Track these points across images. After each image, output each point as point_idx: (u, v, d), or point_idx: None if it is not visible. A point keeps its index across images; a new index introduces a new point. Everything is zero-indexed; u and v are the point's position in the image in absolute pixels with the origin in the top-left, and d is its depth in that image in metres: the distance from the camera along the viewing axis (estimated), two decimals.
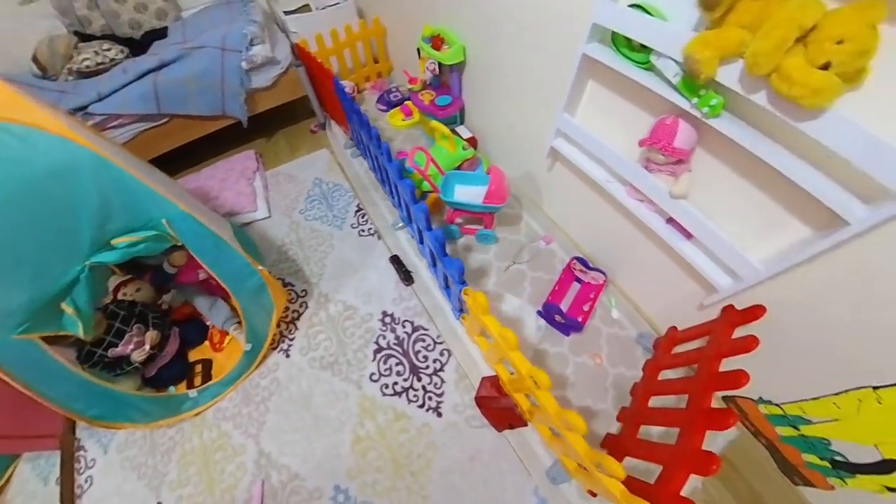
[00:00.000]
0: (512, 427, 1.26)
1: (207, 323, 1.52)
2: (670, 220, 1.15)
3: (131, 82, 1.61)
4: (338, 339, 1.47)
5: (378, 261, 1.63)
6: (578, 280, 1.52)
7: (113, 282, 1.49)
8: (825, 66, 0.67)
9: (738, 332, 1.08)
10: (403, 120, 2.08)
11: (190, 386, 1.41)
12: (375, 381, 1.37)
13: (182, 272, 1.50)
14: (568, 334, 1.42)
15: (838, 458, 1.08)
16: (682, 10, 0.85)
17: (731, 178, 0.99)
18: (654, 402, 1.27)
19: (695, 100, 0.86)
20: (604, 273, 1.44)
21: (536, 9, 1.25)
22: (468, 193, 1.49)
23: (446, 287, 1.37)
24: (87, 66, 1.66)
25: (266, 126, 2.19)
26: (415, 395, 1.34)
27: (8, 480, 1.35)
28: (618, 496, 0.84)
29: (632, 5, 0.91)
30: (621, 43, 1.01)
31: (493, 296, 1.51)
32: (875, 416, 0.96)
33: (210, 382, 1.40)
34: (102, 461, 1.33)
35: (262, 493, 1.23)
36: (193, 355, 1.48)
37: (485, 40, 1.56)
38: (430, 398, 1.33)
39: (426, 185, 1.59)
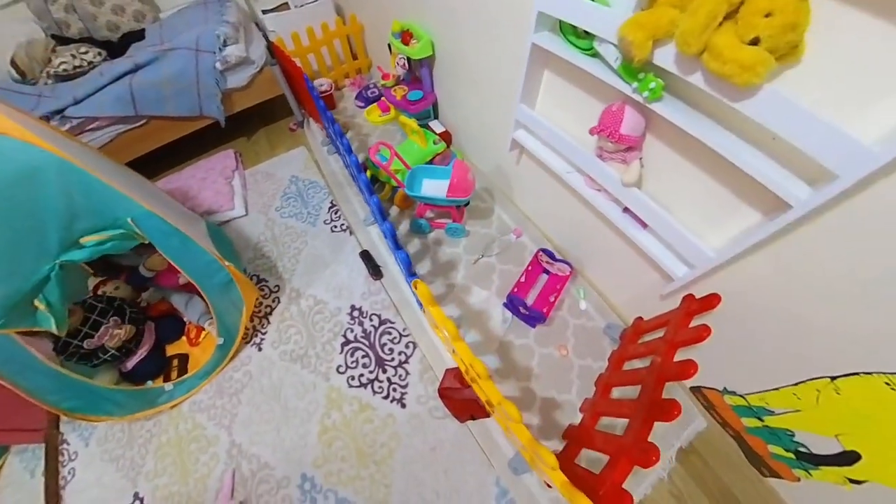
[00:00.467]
0: (473, 418, 1.24)
1: (185, 319, 1.53)
2: (626, 210, 1.11)
3: (107, 85, 1.60)
4: (308, 333, 1.46)
5: (349, 256, 1.62)
6: (546, 272, 1.49)
7: (92, 282, 1.50)
8: (755, 42, 0.62)
9: (699, 322, 1.04)
10: (380, 116, 2.05)
11: (167, 380, 1.42)
12: (342, 373, 1.37)
13: (162, 277, 1.50)
14: (534, 326, 1.40)
15: (802, 449, 1.04)
16: None
17: (682, 164, 0.95)
18: (621, 392, 1.24)
19: (634, 84, 0.82)
20: (569, 264, 1.41)
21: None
22: (434, 187, 1.46)
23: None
24: (65, 70, 1.66)
25: (247, 125, 2.17)
26: (380, 387, 1.32)
27: None
28: (558, 486, 0.81)
29: None
30: (568, 31, 0.97)
31: (460, 289, 1.49)
32: (834, 407, 0.93)
33: (185, 376, 1.40)
34: (84, 454, 1.34)
35: (233, 482, 1.24)
36: (171, 350, 1.49)
37: (450, 33, 1.52)
38: (394, 389, 1.32)
39: (390, 179, 1.56)
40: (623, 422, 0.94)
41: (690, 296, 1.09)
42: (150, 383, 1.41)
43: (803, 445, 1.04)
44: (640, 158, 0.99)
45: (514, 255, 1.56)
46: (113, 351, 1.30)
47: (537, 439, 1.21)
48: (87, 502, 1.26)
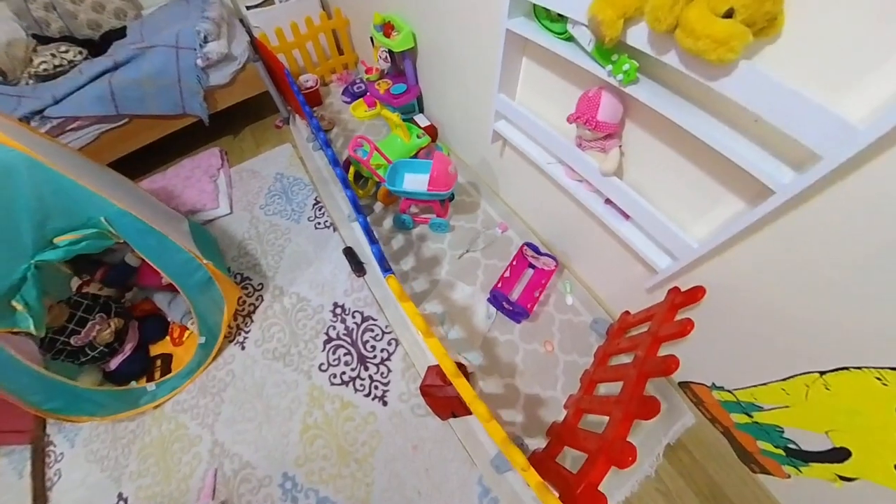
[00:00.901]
0: (455, 416, 1.20)
1: (168, 318, 1.50)
2: (609, 201, 1.06)
3: (86, 84, 1.57)
4: (290, 331, 1.43)
5: (332, 253, 1.58)
6: (532, 266, 1.44)
7: (75, 283, 1.47)
8: (729, 14, 0.57)
9: (685, 315, 1.00)
10: (366, 111, 2.00)
11: (150, 380, 1.39)
12: (324, 370, 1.33)
13: (145, 276, 1.47)
14: (518, 321, 1.35)
15: (791, 445, 1.00)
16: None
17: (664, 152, 0.90)
18: (607, 389, 1.20)
19: (608, 67, 0.77)
20: (554, 258, 1.36)
21: None
22: (415, 182, 1.42)
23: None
24: (45, 70, 1.63)
25: (233, 123, 2.13)
26: (361, 385, 1.29)
27: None
28: (532, 486, 0.78)
29: None
30: (542, 14, 0.92)
31: (444, 284, 1.45)
32: (823, 403, 0.88)
33: (168, 376, 1.38)
34: (70, 455, 1.32)
35: (215, 481, 1.21)
36: (154, 350, 1.46)
37: (430, 24, 1.47)
38: (376, 387, 1.28)
39: (371, 174, 1.52)
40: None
41: (676, 289, 1.04)
42: (133, 384, 1.38)
43: (793, 442, 1.00)
44: (620, 146, 0.94)
45: (500, 250, 1.52)
46: (101, 347, 1.28)
47: (520, 437, 1.19)
48: (74, 503, 1.24)
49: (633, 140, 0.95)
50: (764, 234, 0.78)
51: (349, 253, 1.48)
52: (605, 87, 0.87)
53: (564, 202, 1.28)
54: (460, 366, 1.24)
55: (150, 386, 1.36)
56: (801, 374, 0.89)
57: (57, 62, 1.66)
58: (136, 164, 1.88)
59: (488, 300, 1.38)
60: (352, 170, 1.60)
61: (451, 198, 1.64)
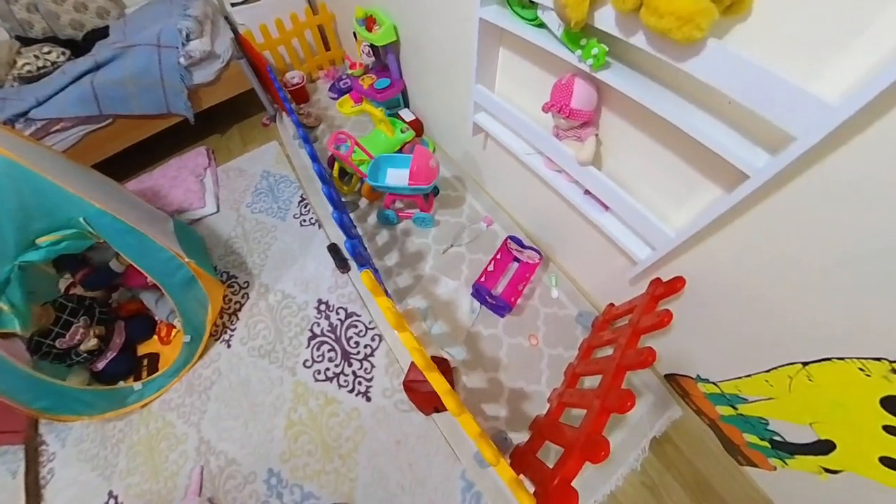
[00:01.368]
0: (438, 411, 1.19)
1: (157, 317, 1.49)
2: (588, 192, 1.02)
3: (68, 85, 1.54)
4: (275, 328, 1.41)
5: (317, 250, 1.56)
6: (517, 260, 1.41)
7: (63, 283, 1.47)
8: None
9: (668, 306, 0.97)
10: (353, 107, 1.96)
11: (137, 379, 1.38)
12: (309, 367, 1.32)
13: (130, 277, 1.45)
14: (502, 315, 1.33)
15: (777, 437, 0.98)
16: None
17: (640, 139, 0.86)
18: (591, 382, 1.17)
19: (578, 51, 0.73)
20: (538, 251, 1.33)
21: None
22: (397, 176, 1.39)
23: (375, 271, 1.29)
24: (29, 72, 1.61)
25: (220, 121, 2.10)
26: (345, 381, 1.27)
27: None
28: (505, 481, 0.75)
29: None
30: (514, 2, 0.88)
31: (428, 279, 1.42)
32: (807, 394, 0.86)
33: (154, 375, 1.37)
34: (61, 454, 1.32)
35: (201, 478, 1.21)
36: (142, 349, 1.45)
37: (410, 17, 1.43)
38: (359, 383, 1.27)
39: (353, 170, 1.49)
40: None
41: (657, 280, 1.01)
42: (121, 383, 1.37)
43: (778, 434, 0.97)
44: (596, 135, 0.91)
45: (485, 244, 1.49)
46: (85, 354, 1.28)
47: (504, 431, 1.17)
48: (66, 501, 1.24)
49: (610, 128, 0.91)
50: (742, 222, 0.75)
51: (333, 249, 1.46)
52: (578, 73, 0.83)
53: (546, 194, 1.25)
54: (443, 361, 1.22)
55: (137, 385, 1.35)
56: (783, 366, 0.87)
57: (40, 63, 1.63)
58: (124, 165, 1.87)
59: (472, 294, 1.35)
60: (336, 166, 1.57)
61: (436, 192, 1.61)
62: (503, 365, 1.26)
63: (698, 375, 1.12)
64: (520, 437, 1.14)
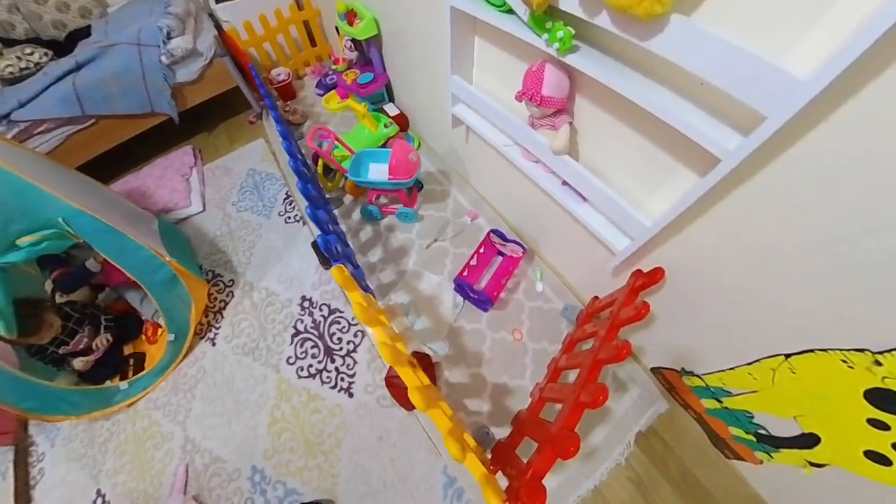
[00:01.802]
0: None
1: (143, 317, 1.48)
2: (566, 182, 0.99)
3: (50, 86, 1.52)
4: (260, 326, 1.39)
5: (301, 246, 1.53)
6: (501, 254, 1.38)
7: (49, 285, 1.45)
8: None
9: (649, 298, 0.93)
10: (339, 103, 1.92)
11: (123, 378, 1.37)
12: (292, 363, 1.30)
13: (111, 274, 1.43)
14: (485, 310, 1.30)
15: (762, 431, 0.95)
16: None
17: (615, 126, 0.82)
18: (574, 376, 1.14)
19: (544, 35, 0.69)
20: (521, 245, 1.29)
21: None
22: (378, 171, 1.36)
23: (356, 267, 1.26)
24: (11, 73, 1.58)
25: (207, 120, 2.08)
26: (328, 377, 1.25)
27: None
28: (477, 478, 0.73)
29: None
30: None
31: (411, 274, 1.39)
32: (790, 387, 0.82)
33: (140, 374, 1.36)
34: (51, 454, 1.32)
35: (186, 476, 1.20)
36: (128, 349, 1.44)
37: (390, 9, 1.39)
38: (342, 379, 1.24)
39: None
40: None
41: (638, 271, 0.98)
42: (108, 383, 1.36)
43: (763, 427, 0.94)
44: (570, 122, 0.87)
45: (469, 238, 1.45)
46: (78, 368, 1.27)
47: (486, 426, 1.14)
48: (55, 501, 1.24)
49: (584, 116, 0.87)
50: (719, 209, 0.71)
51: (317, 246, 1.43)
52: (549, 59, 0.79)
53: (528, 186, 1.21)
54: (424, 356, 1.20)
55: (123, 385, 1.34)
56: (766, 358, 0.83)
57: (23, 65, 1.61)
58: (111, 166, 1.85)
59: (454, 289, 1.32)
60: (321, 162, 1.54)
61: (420, 187, 1.57)
62: (486, 360, 1.23)
63: (683, 368, 1.09)
64: (503, 433, 1.12)
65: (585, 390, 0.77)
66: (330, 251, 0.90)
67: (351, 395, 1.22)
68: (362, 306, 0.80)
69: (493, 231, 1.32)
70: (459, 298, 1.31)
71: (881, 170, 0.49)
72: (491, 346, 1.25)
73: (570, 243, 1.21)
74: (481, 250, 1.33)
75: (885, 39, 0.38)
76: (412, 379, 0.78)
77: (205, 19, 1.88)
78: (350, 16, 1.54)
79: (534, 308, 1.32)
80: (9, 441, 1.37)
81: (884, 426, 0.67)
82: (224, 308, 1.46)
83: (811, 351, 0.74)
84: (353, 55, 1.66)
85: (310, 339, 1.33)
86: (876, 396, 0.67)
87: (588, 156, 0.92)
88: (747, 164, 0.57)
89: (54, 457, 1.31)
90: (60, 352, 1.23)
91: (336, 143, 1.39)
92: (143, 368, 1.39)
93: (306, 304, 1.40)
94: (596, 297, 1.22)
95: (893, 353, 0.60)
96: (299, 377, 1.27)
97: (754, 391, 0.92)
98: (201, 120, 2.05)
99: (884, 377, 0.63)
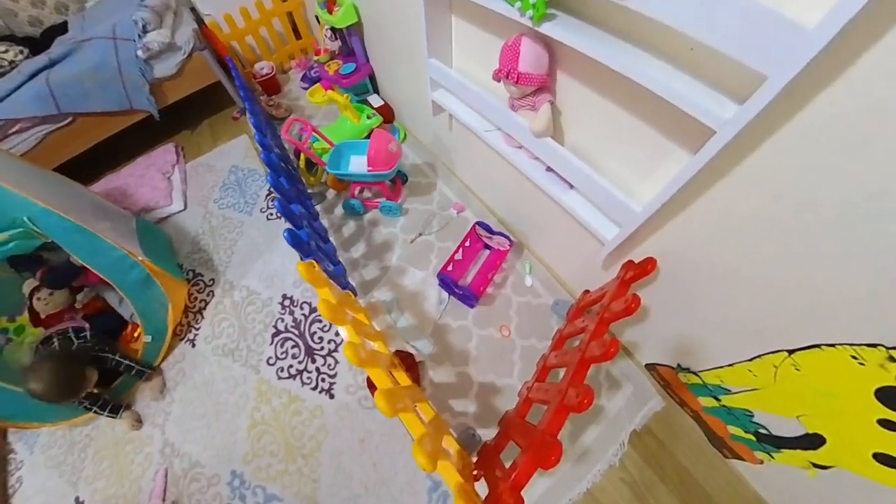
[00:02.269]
0: None
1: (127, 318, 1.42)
2: (550, 168, 0.91)
3: (23, 84, 1.46)
4: (240, 325, 1.33)
5: (282, 244, 1.46)
6: (488, 247, 1.31)
7: (28, 287, 1.40)
8: None
9: (641, 291, 0.86)
10: (323, 95, 1.84)
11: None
12: (272, 364, 1.24)
13: (91, 272, 1.37)
14: (471, 306, 1.23)
15: (762, 430, 0.88)
16: None
17: (601, 105, 0.74)
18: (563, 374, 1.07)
19: (517, 4, 0.62)
20: (508, 237, 1.22)
21: None
22: (359, 163, 1.28)
23: (337, 264, 1.19)
24: None
25: (190, 116, 2.01)
26: (308, 378, 1.19)
27: None
28: (451, 487, 0.66)
29: None
30: None
31: (395, 270, 1.32)
32: (793, 385, 0.75)
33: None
34: (29, 461, 1.27)
35: (165, 481, 1.14)
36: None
37: None
38: (323, 380, 1.18)
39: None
40: None
41: (629, 262, 0.90)
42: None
43: (763, 427, 0.87)
44: (551, 101, 0.79)
45: (455, 232, 1.38)
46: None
47: (472, 428, 1.08)
48: None
49: (567, 95, 0.79)
50: (716, 190, 0.64)
51: None
52: (526, 33, 0.71)
53: (513, 175, 1.13)
54: (407, 355, 1.13)
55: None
56: (768, 354, 0.76)
57: None
58: (93, 166, 1.79)
59: (438, 285, 1.25)
60: (303, 157, 1.46)
61: (404, 180, 1.50)
62: (472, 358, 1.16)
63: (679, 365, 1.01)
64: (490, 434, 1.05)
65: (569, 393, 0.70)
66: (300, 245, 0.83)
67: (332, 397, 1.16)
68: (329, 304, 0.73)
69: (479, 223, 1.25)
70: (445, 294, 1.25)
71: None
72: (478, 343, 1.18)
73: (560, 235, 1.14)
74: (466, 244, 1.26)
75: None
76: (383, 380, 0.71)
77: (185, 13, 1.80)
78: (329, 3, 1.47)
79: (522, 303, 1.24)
80: None
81: None
82: (204, 308, 1.40)
83: (817, 346, 0.66)
84: (336, 45, 1.58)
85: (290, 339, 1.27)
86: (888, 396, 0.60)
87: (574, 140, 0.85)
88: (746, 134, 0.50)
89: (33, 464, 1.26)
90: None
91: (315, 135, 1.31)
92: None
93: (287, 302, 1.34)
94: (587, 291, 1.15)
95: None
96: (279, 378, 1.21)
97: (755, 389, 0.84)
98: (184, 117, 1.98)
99: None
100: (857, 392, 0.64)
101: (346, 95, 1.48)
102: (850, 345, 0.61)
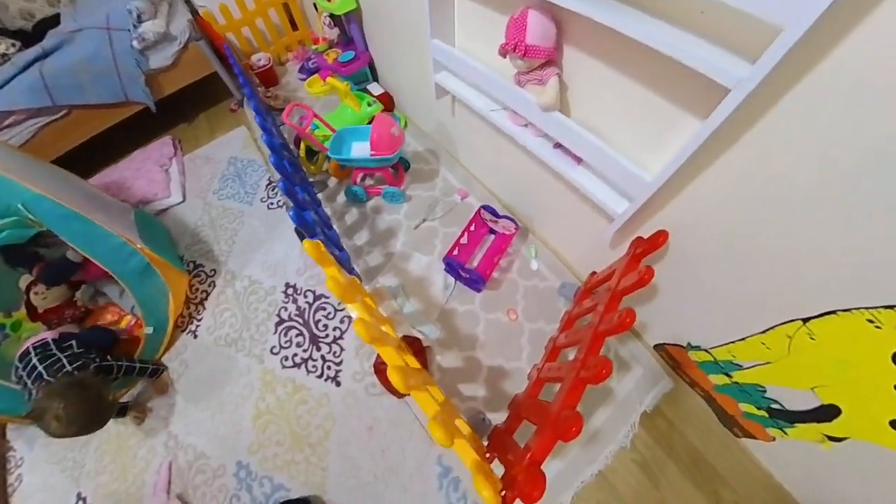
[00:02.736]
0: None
1: (128, 310, 1.39)
2: (558, 145, 0.91)
3: (16, 75, 1.44)
4: (243, 315, 1.32)
5: (284, 232, 1.46)
6: (493, 231, 1.30)
7: (24, 282, 1.38)
8: None
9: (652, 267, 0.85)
10: (322, 86, 1.83)
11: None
12: (276, 353, 1.23)
13: (90, 267, 1.35)
14: (478, 290, 1.22)
15: (775, 406, 0.87)
16: None
17: (608, 76, 0.74)
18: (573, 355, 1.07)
19: None
20: (513, 221, 1.21)
21: None
22: (361, 149, 1.27)
23: (341, 250, 1.18)
24: None
25: (187, 109, 1.99)
26: (314, 366, 1.18)
27: None
28: (468, 465, 0.65)
29: None
30: None
31: (399, 256, 1.32)
32: (808, 355, 0.74)
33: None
34: (29, 458, 1.25)
35: (170, 474, 1.13)
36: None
37: None
38: (328, 367, 1.17)
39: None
40: None
41: (638, 238, 0.90)
42: None
43: (776, 402, 0.86)
44: (559, 75, 0.78)
45: (459, 217, 1.37)
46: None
47: (482, 412, 1.07)
48: None
49: (574, 68, 0.79)
50: (729, 155, 0.63)
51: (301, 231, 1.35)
52: (532, 5, 0.71)
53: (518, 156, 1.13)
54: (414, 340, 1.12)
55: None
56: (781, 324, 0.75)
57: None
58: (89, 161, 1.77)
59: (444, 270, 1.24)
60: (303, 145, 1.45)
61: (407, 166, 1.49)
62: (480, 342, 1.16)
63: (689, 343, 1.01)
64: (500, 418, 1.05)
65: (586, 365, 0.70)
66: (305, 225, 0.82)
67: (338, 384, 1.15)
68: (338, 281, 0.72)
69: (484, 207, 1.25)
70: (451, 279, 1.24)
71: None
72: (485, 327, 1.18)
73: (566, 216, 1.13)
74: (472, 228, 1.25)
75: None
76: (394, 358, 0.70)
77: (179, 3, 1.79)
78: None
79: (529, 287, 1.24)
80: None
81: None
82: (206, 299, 1.38)
83: (833, 312, 0.66)
84: (334, 34, 1.57)
85: (294, 328, 1.26)
86: None
87: (581, 115, 0.84)
88: (761, 92, 0.49)
89: (33, 461, 1.24)
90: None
91: (316, 120, 1.30)
92: None
93: (290, 290, 1.33)
94: (594, 273, 1.14)
95: None
96: (284, 367, 1.20)
97: (767, 363, 0.84)
98: (181, 110, 1.96)
99: None
100: (874, 357, 0.64)
101: (346, 83, 1.47)
102: (867, 308, 0.61)
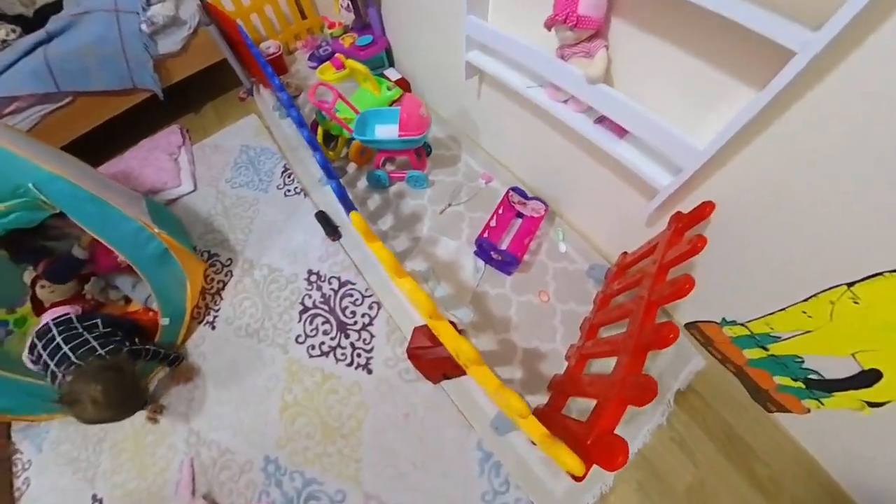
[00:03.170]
0: (447, 377, 1.08)
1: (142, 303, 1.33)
2: (599, 120, 0.91)
3: (19, 60, 1.38)
4: (263, 304, 1.29)
5: (304, 219, 1.43)
6: (520, 215, 1.30)
7: (28, 276, 1.32)
8: None
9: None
10: (335, 73, 1.81)
11: None
12: (301, 342, 1.20)
13: (100, 258, 1.30)
14: (509, 273, 1.22)
15: (812, 376, 0.89)
16: None
17: (657, 47, 0.75)
18: (610, 333, 1.07)
19: None
20: (544, 202, 1.22)
21: None
22: (386, 132, 1.26)
23: None
24: None
25: (194, 99, 1.95)
26: (343, 354, 1.16)
27: None
28: (535, 438, 0.65)
29: None
30: None
31: (426, 241, 1.31)
32: (851, 320, 0.76)
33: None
34: (37, 461, 1.19)
35: (192, 472, 1.08)
36: None
37: None
38: (358, 355, 1.15)
39: (337, 127, 1.35)
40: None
41: (678, 213, 0.91)
42: None
43: (814, 371, 0.88)
44: (606, 47, 0.79)
45: (485, 202, 1.37)
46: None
47: (521, 394, 1.06)
48: None
49: (621, 40, 0.80)
50: (784, 120, 0.64)
51: (322, 217, 1.33)
52: None
53: (550, 136, 1.13)
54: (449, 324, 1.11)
55: None
56: (824, 291, 0.77)
57: None
58: (95, 152, 1.71)
59: (475, 253, 1.24)
60: (320, 131, 1.44)
61: (429, 151, 1.49)
62: (514, 324, 1.15)
63: (724, 319, 1.03)
64: (537, 400, 1.04)
65: (646, 333, 0.70)
66: (345, 199, 0.81)
67: (370, 372, 1.12)
68: (389, 255, 0.71)
69: (514, 189, 1.25)
70: (480, 263, 1.23)
71: None
72: (517, 309, 1.17)
73: (598, 195, 1.14)
74: (500, 211, 1.25)
75: None
76: (449, 330, 0.69)
77: None
78: None
79: (559, 269, 1.24)
80: None
81: None
82: (223, 289, 1.35)
83: (879, 274, 0.68)
84: (350, 17, 1.56)
85: (320, 315, 1.23)
86: None
87: (624, 87, 0.85)
88: (828, 52, 0.50)
89: (42, 463, 1.18)
90: None
91: (338, 102, 1.29)
92: None
93: (314, 278, 1.30)
94: (625, 253, 1.15)
95: None
96: (311, 356, 1.17)
97: (807, 332, 0.86)
98: (187, 101, 1.92)
99: None
100: None
101: (365, 67, 1.46)
102: None
